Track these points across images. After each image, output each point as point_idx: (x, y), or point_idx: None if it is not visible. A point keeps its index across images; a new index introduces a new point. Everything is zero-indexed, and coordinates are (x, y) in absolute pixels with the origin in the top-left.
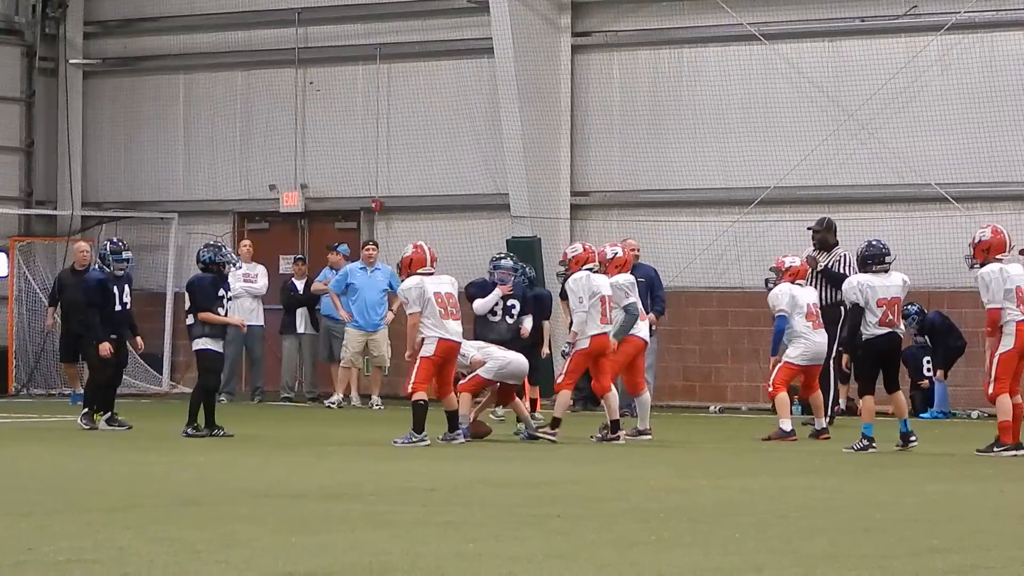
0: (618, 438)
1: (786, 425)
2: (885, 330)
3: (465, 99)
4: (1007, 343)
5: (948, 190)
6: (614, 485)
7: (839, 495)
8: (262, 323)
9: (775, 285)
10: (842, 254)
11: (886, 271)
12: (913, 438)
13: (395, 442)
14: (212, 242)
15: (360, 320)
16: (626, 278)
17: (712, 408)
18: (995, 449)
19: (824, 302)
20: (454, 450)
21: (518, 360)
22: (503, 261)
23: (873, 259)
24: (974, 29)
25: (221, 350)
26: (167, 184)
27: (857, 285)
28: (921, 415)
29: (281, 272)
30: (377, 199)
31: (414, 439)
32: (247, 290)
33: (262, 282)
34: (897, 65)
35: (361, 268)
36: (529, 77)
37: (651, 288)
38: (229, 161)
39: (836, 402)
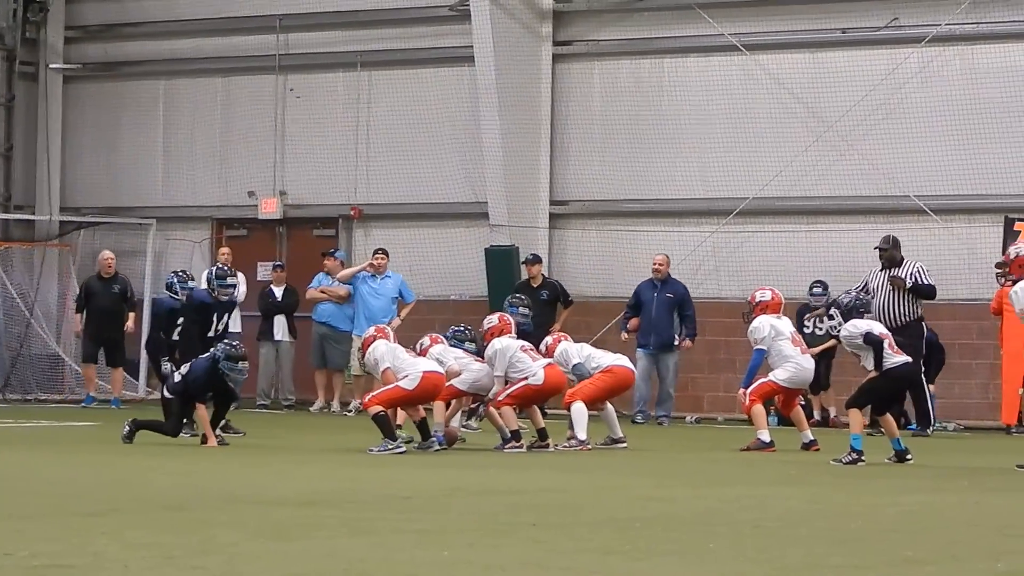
0: (546, 446)
1: (764, 436)
2: (902, 359)
3: (445, 107)
4: None
5: (927, 202)
6: (591, 494)
7: (816, 505)
8: (239, 329)
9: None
10: (917, 267)
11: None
12: (909, 456)
13: (370, 450)
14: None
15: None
16: (562, 349)
17: (689, 418)
18: None
19: (909, 317)
20: (431, 458)
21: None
22: (522, 309)
23: (866, 307)
24: (955, 41)
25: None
26: (146, 190)
27: (859, 325)
28: (909, 427)
29: (259, 279)
30: (356, 206)
31: (389, 446)
32: None
33: (240, 289)
34: (878, 77)
35: (370, 276)
36: (510, 86)
37: (680, 306)
38: (208, 167)
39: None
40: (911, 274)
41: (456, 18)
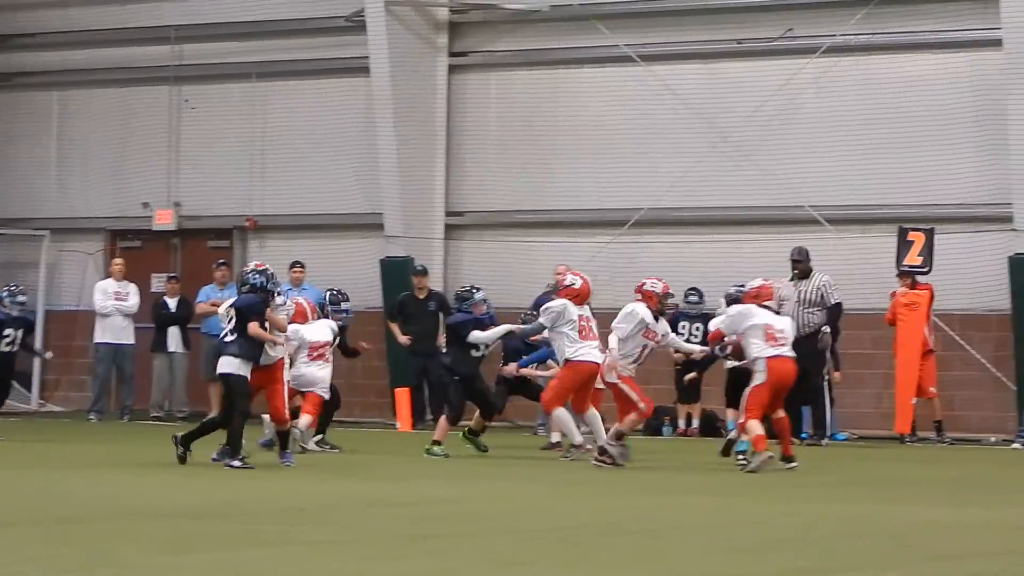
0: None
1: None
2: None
3: (341, 118)
4: (759, 378)
5: (822, 212)
6: (491, 504)
7: (716, 514)
8: (133, 341)
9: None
10: (824, 280)
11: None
12: (741, 458)
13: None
14: (263, 267)
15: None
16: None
17: (585, 428)
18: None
19: (811, 328)
20: (327, 469)
21: (311, 373)
22: (477, 295)
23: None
24: (849, 52)
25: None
26: (40, 201)
27: (724, 312)
28: (801, 435)
29: (153, 290)
30: (251, 218)
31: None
32: (118, 308)
33: (133, 300)
34: (773, 87)
35: (288, 290)
36: (405, 96)
37: None
38: (103, 178)
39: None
40: (819, 287)
41: (352, 29)
